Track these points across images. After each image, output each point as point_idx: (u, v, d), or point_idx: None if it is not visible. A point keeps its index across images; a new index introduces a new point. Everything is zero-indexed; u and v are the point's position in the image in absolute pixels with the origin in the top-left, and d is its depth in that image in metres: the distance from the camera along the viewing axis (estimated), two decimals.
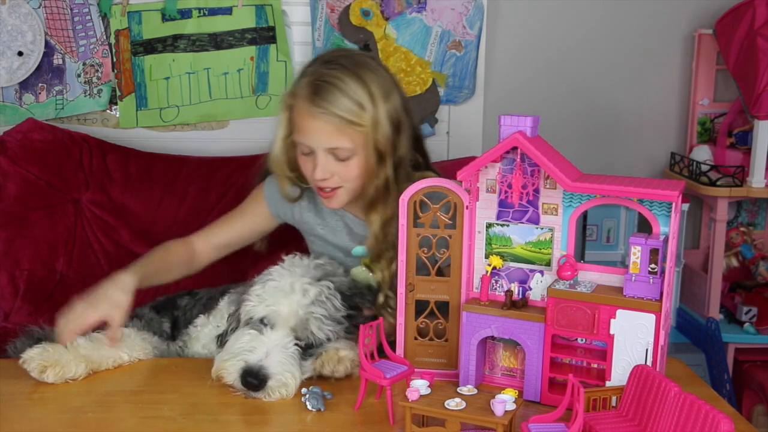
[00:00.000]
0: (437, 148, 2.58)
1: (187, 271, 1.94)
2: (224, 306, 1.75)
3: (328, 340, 1.53)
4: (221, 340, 1.63)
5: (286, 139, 1.78)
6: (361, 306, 1.62)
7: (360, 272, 1.84)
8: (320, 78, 1.69)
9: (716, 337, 2.44)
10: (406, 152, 1.76)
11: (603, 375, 1.41)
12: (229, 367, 1.47)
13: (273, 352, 1.47)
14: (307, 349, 1.52)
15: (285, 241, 2.29)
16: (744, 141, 2.57)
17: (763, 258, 2.67)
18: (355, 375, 1.51)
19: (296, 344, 1.50)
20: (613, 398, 1.34)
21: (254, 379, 1.44)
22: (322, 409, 1.41)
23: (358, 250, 1.88)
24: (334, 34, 2.50)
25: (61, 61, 2.45)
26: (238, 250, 2.27)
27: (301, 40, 2.54)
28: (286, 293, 1.51)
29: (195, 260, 1.95)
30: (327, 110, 1.66)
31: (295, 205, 1.90)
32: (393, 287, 1.60)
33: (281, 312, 1.50)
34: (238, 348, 1.49)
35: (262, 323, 1.51)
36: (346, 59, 1.73)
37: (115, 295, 1.65)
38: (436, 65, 2.54)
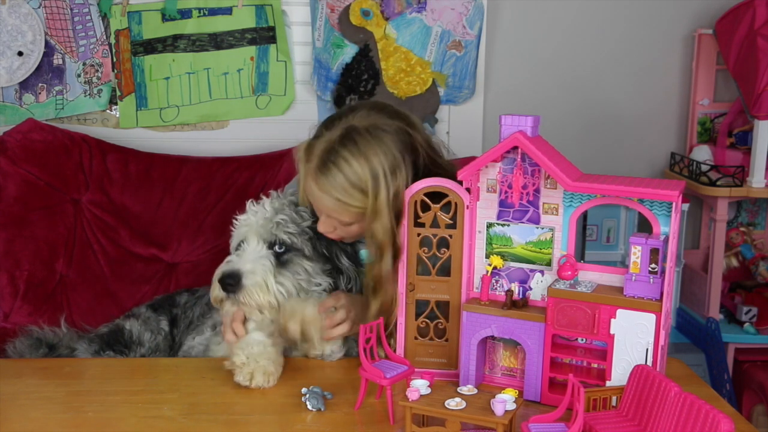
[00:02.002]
0: None
1: None
2: None
3: (297, 249, 1.69)
4: None
5: None
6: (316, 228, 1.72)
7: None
8: (329, 155, 1.64)
9: (716, 337, 2.44)
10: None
11: (603, 375, 1.41)
12: (213, 284, 1.67)
13: (244, 256, 1.67)
14: (282, 254, 1.68)
15: None
16: (744, 141, 2.57)
17: (763, 258, 2.67)
18: (333, 348, 1.64)
19: (268, 249, 1.68)
20: (613, 398, 1.34)
21: (230, 278, 1.63)
22: (322, 409, 1.41)
23: (363, 253, 1.89)
24: (334, 34, 2.50)
25: (61, 61, 2.45)
26: None
27: (301, 40, 2.54)
28: (254, 210, 1.72)
29: None
30: (327, 191, 1.64)
31: None
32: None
33: (251, 224, 1.69)
34: (218, 269, 1.69)
35: (241, 245, 1.70)
36: (363, 137, 1.63)
37: None
38: (436, 65, 2.54)
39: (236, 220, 1.74)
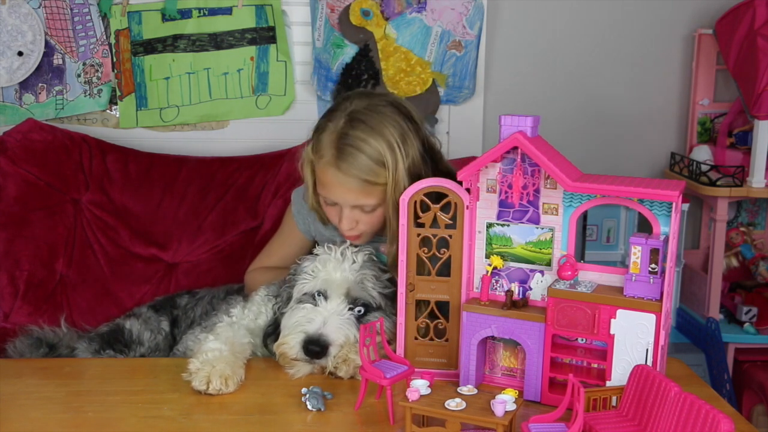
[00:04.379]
0: None
1: None
2: (259, 298, 1.76)
3: (378, 307, 1.59)
4: (266, 334, 1.67)
5: (314, 187, 1.82)
6: (394, 278, 1.62)
7: None
8: (344, 140, 1.70)
9: (716, 337, 2.44)
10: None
11: (603, 375, 1.41)
12: (290, 341, 1.54)
13: (330, 319, 1.55)
14: (363, 316, 1.58)
15: None
16: (744, 141, 2.57)
17: (763, 258, 2.67)
18: (356, 377, 1.52)
19: (350, 309, 1.57)
20: (613, 398, 1.34)
21: (316, 346, 1.51)
22: (322, 409, 1.41)
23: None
24: (334, 34, 2.50)
25: (61, 61, 2.45)
26: (235, 253, 2.28)
27: (301, 40, 2.54)
28: (338, 261, 1.59)
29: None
30: (352, 175, 1.69)
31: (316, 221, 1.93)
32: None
33: (335, 279, 1.58)
34: (294, 323, 1.56)
35: (316, 296, 1.58)
36: (367, 115, 1.72)
37: None
38: (436, 65, 2.54)
39: (313, 262, 1.62)
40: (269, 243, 2.06)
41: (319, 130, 1.77)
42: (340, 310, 1.56)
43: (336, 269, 1.59)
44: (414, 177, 1.68)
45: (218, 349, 1.53)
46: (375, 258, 1.65)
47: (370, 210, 1.75)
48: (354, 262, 1.60)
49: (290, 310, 1.60)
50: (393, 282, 1.62)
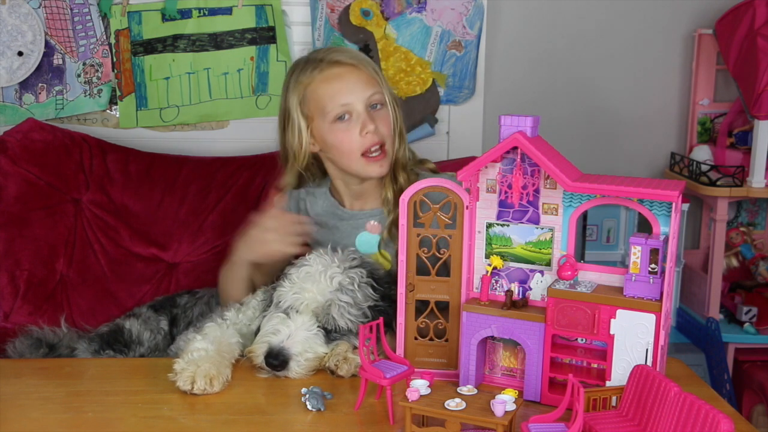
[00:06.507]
0: (437, 148, 2.58)
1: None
2: (255, 302, 1.75)
3: (350, 331, 1.56)
4: (256, 331, 1.66)
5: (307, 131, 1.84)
6: (395, 298, 1.58)
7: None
8: (323, 52, 1.84)
9: (716, 337, 2.44)
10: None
11: (603, 375, 1.41)
12: (257, 350, 1.55)
13: (295, 334, 1.54)
14: (330, 333, 1.56)
15: None
16: (744, 141, 2.57)
17: (763, 258, 2.67)
18: (357, 376, 1.51)
19: (319, 327, 1.55)
20: (613, 398, 1.34)
21: (275, 360, 1.51)
22: (322, 409, 1.41)
23: (364, 236, 1.89)
24: (334, 34, 2.50)
25: (61, 61, 2.45)
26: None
27: (301, 40, 2.54)
28: (314, 280, 1.56)
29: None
30: (350, 59, 1.80)
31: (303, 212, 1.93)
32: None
33: (305, 297, 1.56)
34: (265, 330, 1.56)
35: (290, 308, 1.57)
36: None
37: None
38: (436, 65, 2.54)
39: (298, 270, 1.58)
40: None
41: (289, 82, 1.84)
42: (308, 326, 1.55)
43: (311, 287, 1.56)
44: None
45: (204, 348, 1.52)
46: (363, 280, 1.58)
47: (379, 103, 1.80)
48: (331, 282, 1.55)
49: (268, 315, 1.60)
50: (387, 297, 1.58)
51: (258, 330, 1.64)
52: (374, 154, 1.80)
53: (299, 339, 1.53)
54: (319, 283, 1.56)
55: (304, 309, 1.56)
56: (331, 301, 1.55)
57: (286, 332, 1.54)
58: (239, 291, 1.83)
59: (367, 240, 1.88)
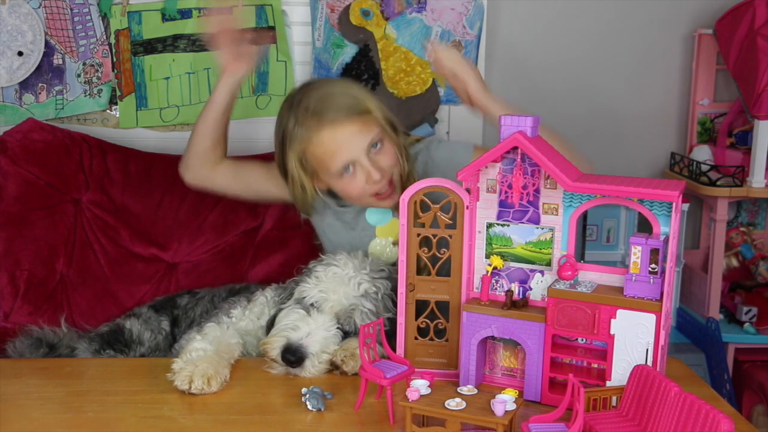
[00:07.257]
0: None
1: (212, 154, 2.02)
2: (264, 300, 1.76)
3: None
4: (267, 326, 1.67)
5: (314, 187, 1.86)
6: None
7: (378, 245, 1.88)
8: (312, 106, 1.76)
9: (716, 337, 2.44)
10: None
11: (603, 375, 1.41)
12: (273, 342, 1.55)
13: (314, 332, 1.54)
14: (347, 335, 1.58)
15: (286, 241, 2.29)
16: (744, 141, 2.57)
17: (763, 258, 2.67)
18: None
19: (338, 329, 1.57)
20: (614, 398, 1.34)
21: (292, 355, 1.52)
22: (322, 409, 1.41)
23: (373, 213, 1.90)
24: (334, 34, 2.50)
25: (61, 61, 2.45)
26: (236, 253, 2.28)
27: (301, 40, 2.54)
28: (341, 282, 1.59)
29: (218, 162, 2.03)
30: (343, 116, 1.73)
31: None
32: None
33: (330, 298, 1.58)
34: (284, 325, 1.57)
35: (312, 305, 1.58)
36: (315, 81, 1.88)
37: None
38: None
39: (325, 269, 1.61)
40: (254, 162, 2.09)
41: (284, 137, 1.81)
42: (328, 326, 1.56)
43: (336, 288, 1.58)
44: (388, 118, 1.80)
45: (203, 348, 1.53)
46: (387, 293, 1.61)
47: (380, 146, 1.78)
48: (358, 287, 1.58)
49: (286, 309, 1.61)
50: (393, 322, 1.57)
51: (271, 323, 1.65)
52: (383, 191, 1.82)
53: (318, 338, 1.54)
54: (346, 286, 1.58)
55: (327, 309, 1.58)
56: (356, 306, 1.57)
57: (306, 330, 1.55)
58: (213, 137, 1.95)
59: (379, 214, 1.90)
